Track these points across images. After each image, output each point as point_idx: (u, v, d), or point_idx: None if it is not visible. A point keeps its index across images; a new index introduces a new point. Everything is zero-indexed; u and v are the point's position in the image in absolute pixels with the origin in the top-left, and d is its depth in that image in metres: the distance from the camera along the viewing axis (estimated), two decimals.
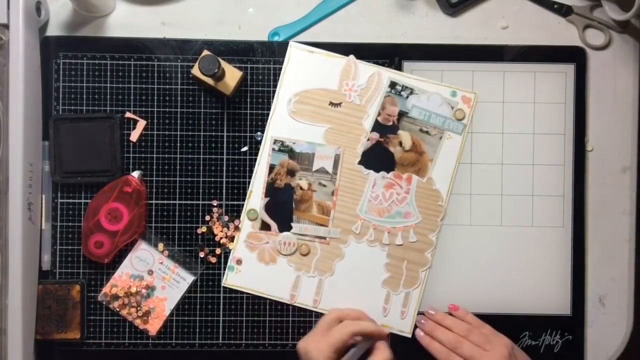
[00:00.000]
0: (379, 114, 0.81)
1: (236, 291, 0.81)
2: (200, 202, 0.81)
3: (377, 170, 0.81)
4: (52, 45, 0.80)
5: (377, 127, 0.81)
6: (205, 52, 0.79)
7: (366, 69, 0.81)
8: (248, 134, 0.81)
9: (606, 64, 0.82)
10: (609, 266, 0.82)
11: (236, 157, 0.81)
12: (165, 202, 0.81)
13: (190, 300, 0.81)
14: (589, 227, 0.82)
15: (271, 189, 0.81)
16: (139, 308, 0.80)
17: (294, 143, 0.81)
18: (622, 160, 0.82)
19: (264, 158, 0.81)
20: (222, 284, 0.81)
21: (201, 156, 0.81)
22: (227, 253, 0.81)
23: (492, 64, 0.82)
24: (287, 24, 0.82)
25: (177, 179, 0.81)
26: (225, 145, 0.81)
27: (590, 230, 0.82)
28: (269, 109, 0.81)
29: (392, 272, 0.81)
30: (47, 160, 0.79)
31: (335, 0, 0.82)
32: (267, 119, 0.81)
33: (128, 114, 0.80)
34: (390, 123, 0.81)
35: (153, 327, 0.80)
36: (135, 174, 0.79)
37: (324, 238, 0.81)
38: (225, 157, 0.81)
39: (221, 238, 0.80)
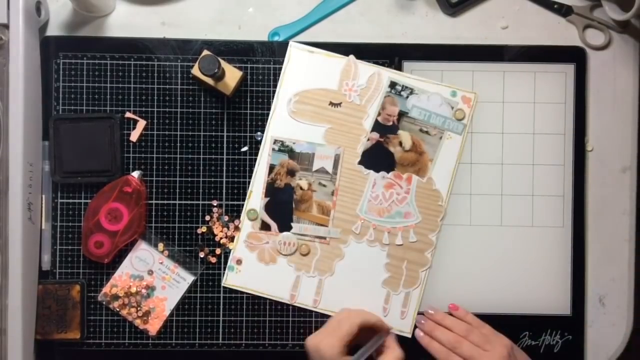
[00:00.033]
0: (379, 114, 0.81)
1: (236, 291, 0.81)
2: (200, 202, 0.81)
3: (377, 170, 0.81)
4: (52, 45, 0.80)
5: (377, 127, 0.81)
6: (205, 52, 0.79)
7: (366, 69, 0.81)
8: (248, 134, 0.81)
9: (606, 64, 0.82)
10: (609, 266, 0.82)
11: (236, 157, 0.81)
12: (165, 202, 0.81)
13: (190, 300, 0.81)
14: (589, 227, 0.82)
15: (271, 189, 0.81)
16: (139, 308, 0.80)
17: (294, 143, 0.81)
18: (622, 160, 0.82)
19: (264, 158, 0.81)
20: (222, 284, 0.81)
21: (201, 156, 0.81)
22: (227, 253, 0.81)
23: (492, 64, 0.82)
24: (287, 24, 0.82)
25: (177, 179, 0.81)
26: (225, 145, 0.81)
27: (590, 230, 0.82)
28: (269, 109, 0.81)
29: (392, 272, 0.81)
30: (47, 160, 0.79)
31: (335, 0, 0.82)
32: (267, 119, 0.81)
33: (128, 114, 0.80)
34: (390, 123, 0.81)
35: (153, 327, 0.80)
36: (135, 174, 0.79)
37: (324, 238, 0.81)
38: (225, 157, 0.81)
39: (221, 238, 0.80)
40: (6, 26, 0.73)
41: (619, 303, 0.82)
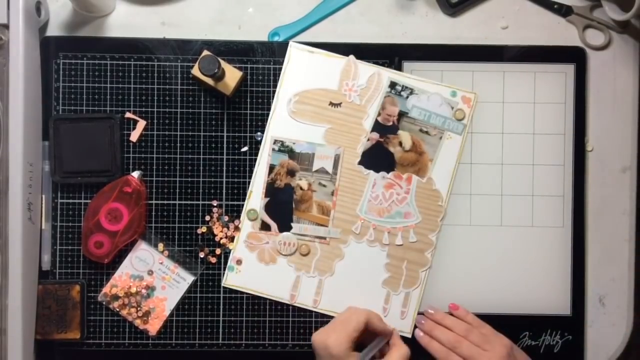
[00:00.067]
0: (379, 114, 0.81)
1: (236, 291, 0.81)
2: (200, 202, 0.81)
3: (377, 170, 0.81)
4: (52, 45, 0.80)
5: (377, 127, 0.81)
6: (205, 52, 0.79)
7: (366, 69, 0.81)
8: (248, 134, 0.81)
9: (606, 64, 0.82)
10: (609, 266, 0.82)
11: (236, 157, 0.81)
12: (165, 202, 0.81)
13: (190, 300, 0.81)
14: (589, 227, 0.82)
15: (271, 189, 0.81)
16: (139, 308, 0.80)
17: (294, 143, 0.81)
18: (622, 160, 0.82)
19: (264, 158, 0.81)
20: (222, 284, 0.81)
21: (201, 156, 0.81)
22: (227, 253, 0.81)
23: (492, 64, 0.82)
24: (287, 24, 0.82)
25: (177, 179, 0.81)
26: (225, 145, 0.81)
27: (590, 230, 0.82)
28: (269, 109, 0.81)
29: (392, 272, 0.81)
30: (47, 160, 0.79)
31: (335, 0, 0.82)
32: (267, 119, 0.81)
33: (128, 114, 0.80)
34: (390, 123, 0.81)
35: (153, 327, 0.80)
36: (135, 174, 0.79)
37: (324, 238, 0.81)
38: (225, 157, 0.81)
39: (221, 238, 0.80)
40: (6, 26, 0.73)
41: (619, 303, 0.82)
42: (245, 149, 0.81)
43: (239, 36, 0.82)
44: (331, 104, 0.81)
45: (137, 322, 0.80)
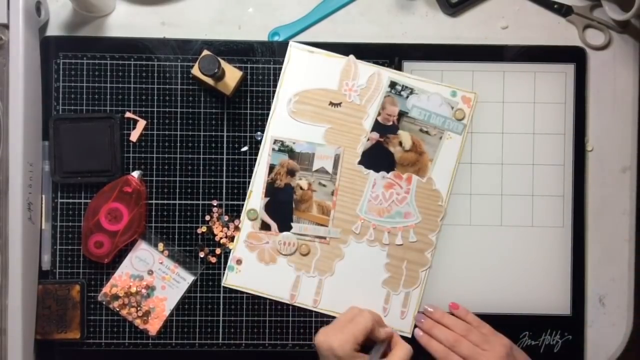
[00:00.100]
0: (379, 114, 0.81)
1: (236, 291, 0.81)
2: (200, 202, 0.81)
3: (377, 170, 0.81)
4: (52, 45, 0.80)
5: (377, 127, 0.81)
6: (205, 52, 0.79)
7: (366, 69, 0.81)
8: (248, 134, 0.81)
9: (606, 64, 0.82)
10: (609, 266, 0.82)
11: (236, 157, 0.81)
12: (165, 202, 0.81)
13: (190, 300, 0.81)
14: (589, 227, 0.82)
15: (271, 189, 0.81)
16: (139, 308, 0.80)
17: (294, 143, 0.81)
18: (622, 160, 0.82)
19: (264, 158, 0.81)
20: (222, 284, 0.81)
21: (201, 156, 0.81)
22: (227, 253, 0.81)
23: (492, 64, 0.82)
24: (287, 24, 0.82)
25: (177, 179, 0.81)
26: (225, 145, 0.81)
27: (590, 230, 0.82)
28: (269, 109, 0.81)
29: (392, 272, 0.81)
30: (47, 160, 0.79)
31: (335, 0, 0.82)
32: (267, 119, 0.81)
33: (128, 114, 0.80)
34: (390, 123, 0.81)
35: (153, 327, 0.80)
36: (135, 174, 0.79)
37: (324, 238, 0.81)
38: (225, 157, 0.81)
39: (221, 238, 0.80)
40: (6, 26, 0.73)
41: (619, 303, 0.82)
42: (245, 148, 0.81)
43: (239, 36, 0.82)
44: (331, 103, 0.81)
45: (137, 322, 0.80)
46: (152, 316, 0.80)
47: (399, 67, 0.81)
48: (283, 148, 0.81)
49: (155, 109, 0.81)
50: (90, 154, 0.79)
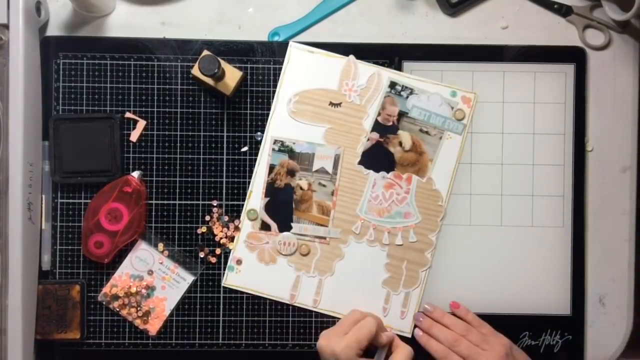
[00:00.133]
0: (379, 114, 0.81)
1: (236, 291, 0.81)
2: (200, 202, 0.81)
3: (377, 170, 0.81)
4: (52, 45, 0.80)
5: (377, 127, 0.81)
6: (205, 52, 0.79)
7: (366, 69, 0.81)
8: (248, 134, 0.81)
9: (606, 64, 0.82)
10: (609, 266, 0.82)
11: (236, 157, 0.81)
12: (165, 202, 0.81)
13: (190, 300, 0.81)
14: (589, 227, 0.82)
15: (271, 189, 0.81)
16: (139, 308, 0.80)
17: (294, 143, 0.81)
18: (622, 160, 0.82)
19: (264, 158, 0.81)
20: (222, 284, 0.81)
21: (201, 156, 0.81)
22: (227, 253, 0.81)
23: (492, 64, 0.82)
24: (287, 24, 0.82)
25: (177, 179, 0.81)
26: (225, 145, 0.81)
27: (590, 230, 0.82)
28: (269, 109, 0.81)
29: (392, 272, 0.81)
30: (47, 160, 0.79)
31: (335, 0, 0.82)
32: (267, 119, 0.81)
33: (128, 114, 0.80)
34: (390, 123, 0.81)
35: (153, 327, 0.80)
36: (135, 174, 0.79)
37: (324, 238, 0.81)
38: (225, 157, 0.81)
39: (221, 238, 0.80)
40: (6, 26, 0.73)
41: (619, 303, 0.82)
42: (245, 149, 0.81)
43: (239, 36, 0.82)
44: (331, 104, 0.81)
45: (137, 322, 0.80)
46: (152, 316, 0.80)
47: (399, 67, 0.81)
48: (283, 148, 0.81)
49: (155, 109, 0.81)
50: (90, 154, 0.79)
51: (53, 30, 0.81)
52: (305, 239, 0.81)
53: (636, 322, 0.83)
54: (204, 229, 0.81)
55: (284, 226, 0.81)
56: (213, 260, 0.81)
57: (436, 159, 0.81)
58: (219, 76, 0.77)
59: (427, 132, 0.81)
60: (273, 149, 0.81)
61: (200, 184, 0.81)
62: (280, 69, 0.81)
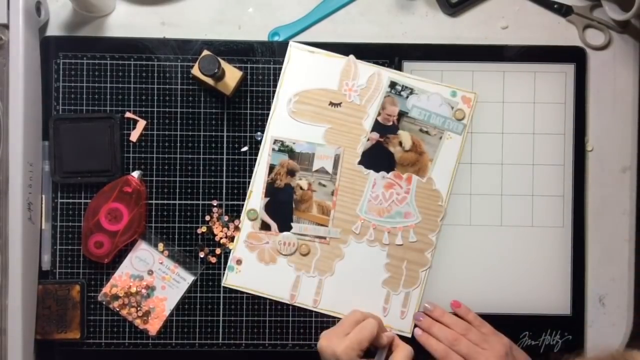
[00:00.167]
0: (379, 114, 0.81)
1: (236, 291, 0.81)
2: (200, 202, 0.81)
3: (377, 170, 0.81)
4: (52, 45, 0.80)
5: (377, 127, 0.81)
6: (205, 52, 0.79)
7: (366, 69, 0.81)
8: (248, 134, 0.81)
9: (606, 64, 0.82)
10: (609, 266, 0.82)
11: (236, 157, 0.81)
12: (165, 202, 0.81)
13: (190, 300, 0.81)
14: (589, 227, 0.82)
15: (271, 189, 0.81)
16: (139, 308, 0.80)
17: (294, 143, 0.81)
18: (622, 160, 0.82)
19: (264, 158, 0.81)
20: (222, 284, 0.81)
21: (201, 156, 0.81)
22: (227, 253, 0.81)
23: (492, 64, 0.82)
24: (287, 24, 0.82)
25: (177, 179, 0.81)
26: (225, 145, 0.81)
27: (590, 230, 0.82)
28: (269, 109, 0.81)
29: (392, 272, 0.81)
30: (47, 160, 0.79)
31: (335, 0, 0.82)
32: (267, 119, 0.81)
33: (128, 114, 0.80)
34: (390, 123, 0.81)
35: (153, 327, 0.80)
36: (135, 174, 0.79)
37: (324, 238, 0.81)
38: (225, 157, 0.81)
39: (221, 238, 0.80)
40: (6, 26, 0.73)
41: (619, 303, 0.82)
42: (245, 149, 0.81)
43: (239, 36, 0.82)
44: (331, 103, 0.81)
45: (137, 322, 0.80)
46: (152, 316, 0.80)
47: (399, 67, 0.81)
48: (283, 148, 0.81)
49: (155, 109, 0.81)
50: (90, 154, 0.79)
51: (53, 30, 0.81)
52: (305, 239, 0.81)
53: (636, 322, 0.83)
54: (204, 229, 0.81)
55: (284, 226, 0.81)
56: (213, 260, 0.81)
57: (436, 159, 0.81)
58: (219, 76, 0.77)
59: (427, 132, 0.81)
60: (273, 149, 0.81)
61: (200, 184, 0.81)
62: (280, 69, 0.81)
